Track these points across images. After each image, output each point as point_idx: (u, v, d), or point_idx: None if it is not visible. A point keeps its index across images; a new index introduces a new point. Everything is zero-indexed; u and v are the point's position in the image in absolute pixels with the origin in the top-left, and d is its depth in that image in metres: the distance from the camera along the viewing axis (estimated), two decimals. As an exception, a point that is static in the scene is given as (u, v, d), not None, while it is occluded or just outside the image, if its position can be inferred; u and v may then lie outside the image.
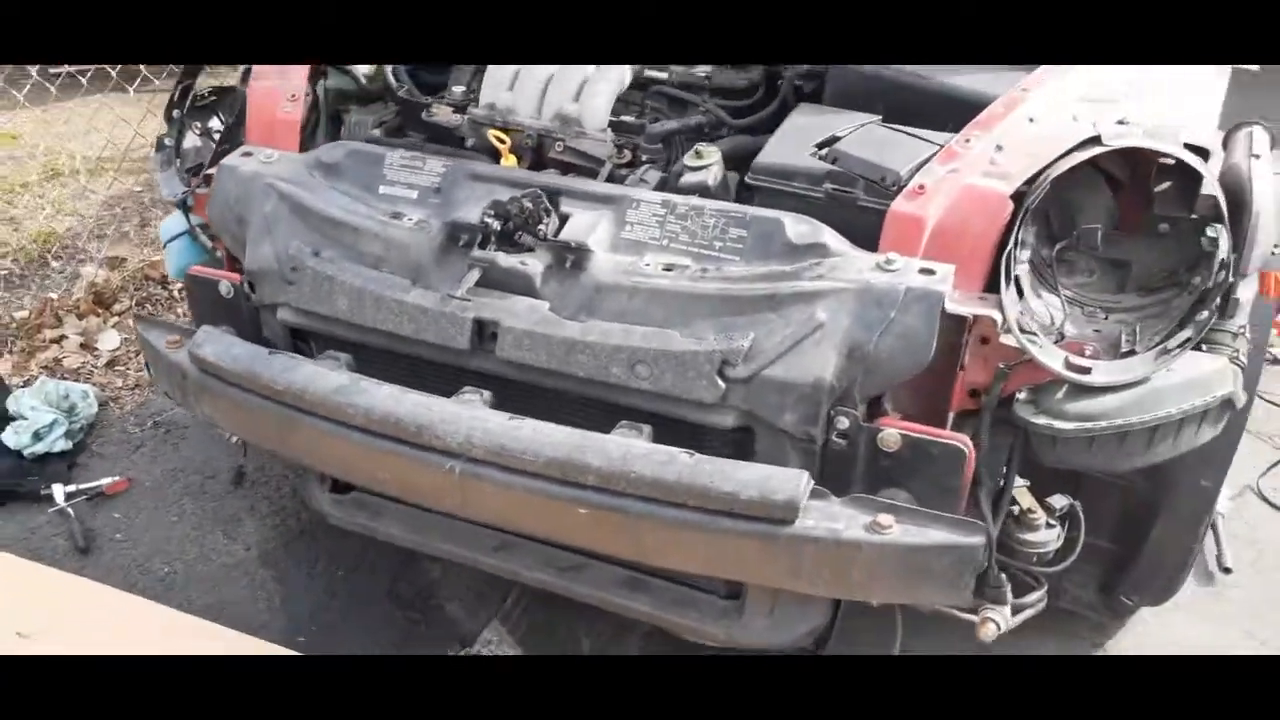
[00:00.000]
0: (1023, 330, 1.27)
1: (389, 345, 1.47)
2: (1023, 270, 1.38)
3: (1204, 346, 1.35)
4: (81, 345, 2.58)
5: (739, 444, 1.36)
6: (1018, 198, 1.31)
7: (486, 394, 1.40)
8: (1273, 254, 1.49)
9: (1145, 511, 1.58)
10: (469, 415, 1.34)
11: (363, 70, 1.89)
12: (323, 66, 1.85)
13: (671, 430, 1.35)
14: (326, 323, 1.51)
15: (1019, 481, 1.48)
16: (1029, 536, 1.46)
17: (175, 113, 1.88)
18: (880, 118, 1.53)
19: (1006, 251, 1.29)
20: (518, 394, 1.41)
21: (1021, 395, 1.31)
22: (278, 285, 1.53)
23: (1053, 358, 1.27)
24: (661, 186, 1.52)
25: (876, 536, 1.23)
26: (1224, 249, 1.31)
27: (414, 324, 1.41)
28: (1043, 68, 1.52)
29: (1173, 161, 1.36)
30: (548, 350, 1.35)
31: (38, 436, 2.17)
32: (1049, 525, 1.48)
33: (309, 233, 1.52)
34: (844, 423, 1.30)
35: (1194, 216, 1.39)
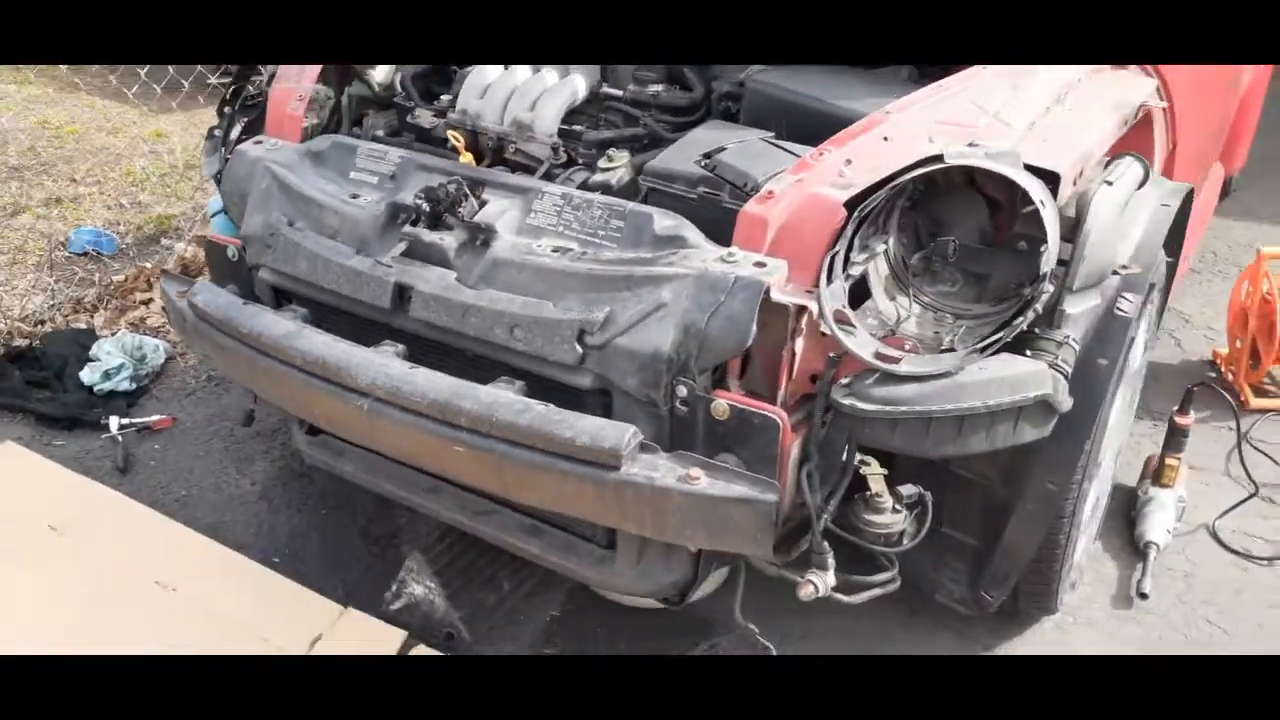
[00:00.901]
0: (839, 322, 1.44)
1: (337, 303, 1.75)
2: (873, 271, 1.55)
3: (1028, 352, 1.48)
4: (164, 309, 2.99)
5: (605, 406, 1.57)
6: (852, 205, 1.48)
7: (401, 347, 1.66)
8: (1117, 273, 1.61)
9: (1001, 510, 1.69)
10: (378, 362, 1.60)
11: (377, 80, 2.21)
12: (349, 75, 2.19)
13: (553, 391, 1.57)
14: (294, 282, 1.80)
15: (876, 469, 1.64)
16: (874, 518, 1.60)
17: (227, 109, 2.23)
18: (774, 134, 1.72)
19: (832, 252, 1.46)
20: (430, 350, 1.67)
21: (844, 381, 1.47)
22: (261, 249, 1.83)
23: (863, 347, 1.43)
24: (584, 185, 1.76)
25: (685, 486, 1.42)
26: (1045, 263, 1.44)
27: (351, 284, 1.69)
28: (915, 94, 1.68)
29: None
30: (447, 312, 1.60)
31: (107, 376, 2.57)
32: (895, 510, 1.62)
33: (290, 207, 1.82)
34: (683, 391, 1.49)
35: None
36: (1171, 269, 2.16)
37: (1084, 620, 2.05)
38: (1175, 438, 2.27)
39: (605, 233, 1.59)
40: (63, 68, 5.14)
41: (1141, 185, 1.68)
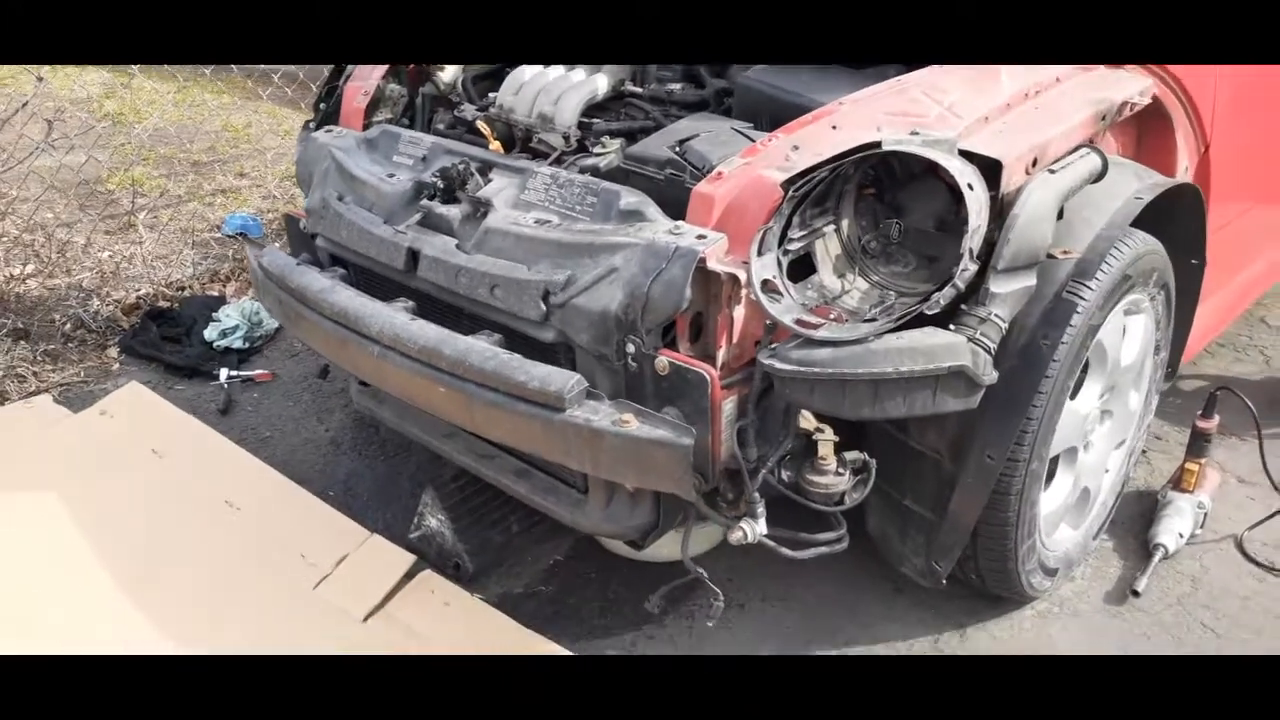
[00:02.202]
0: (768, 291, 1.57)
1: (370, 265, 2.02)
2: (820, 248, 1.68)
3: (952, 326, 1.57)
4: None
5: (572, 361, 1.77)
6: (790, 186, 1.61)
7: (411, 303, 1.91)
8: (1052, 256, 1.67)
9: (949, 483, 1.76)
10: (386, 314, 1.85)
11: (445, 81, 2.49)
12: (422, 77, 2.48)
13: (528, 345, 1.77)
14: (339, 248, 2.09)
15: (828, 436, 1.75)
16: (817, 479, 1.71)
17: (321, 105, 2.57)
18: (753, 125, 1.87)
19: (765, 227, 1.60)
20: (437, 306, 1.91)
21: (771, 345, 1.60)
22: (318, 220, 2.14)
23: (785, 313, 1.55)
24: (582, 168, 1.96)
25: (616, 428, 1.59)
26: (966, 242, 1.52)
27: (376, 249, 1.95)
28: (873, 88, 1.79)
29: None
30: (445, 273, 1.83)
31: (224, 334, 2.98)
32: (838, 473, 1.73)
33: (342, 185, 2.12)
34: (631, 348, 1.66)
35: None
36: (1197, 270, 2.15)
37: (1069, 611, 2.06)
38: (1197, 442, 2.24)
39: (581, 207, 1.79)
40: (250, 80, 5.81)
41: (1099, 178, 1.71)
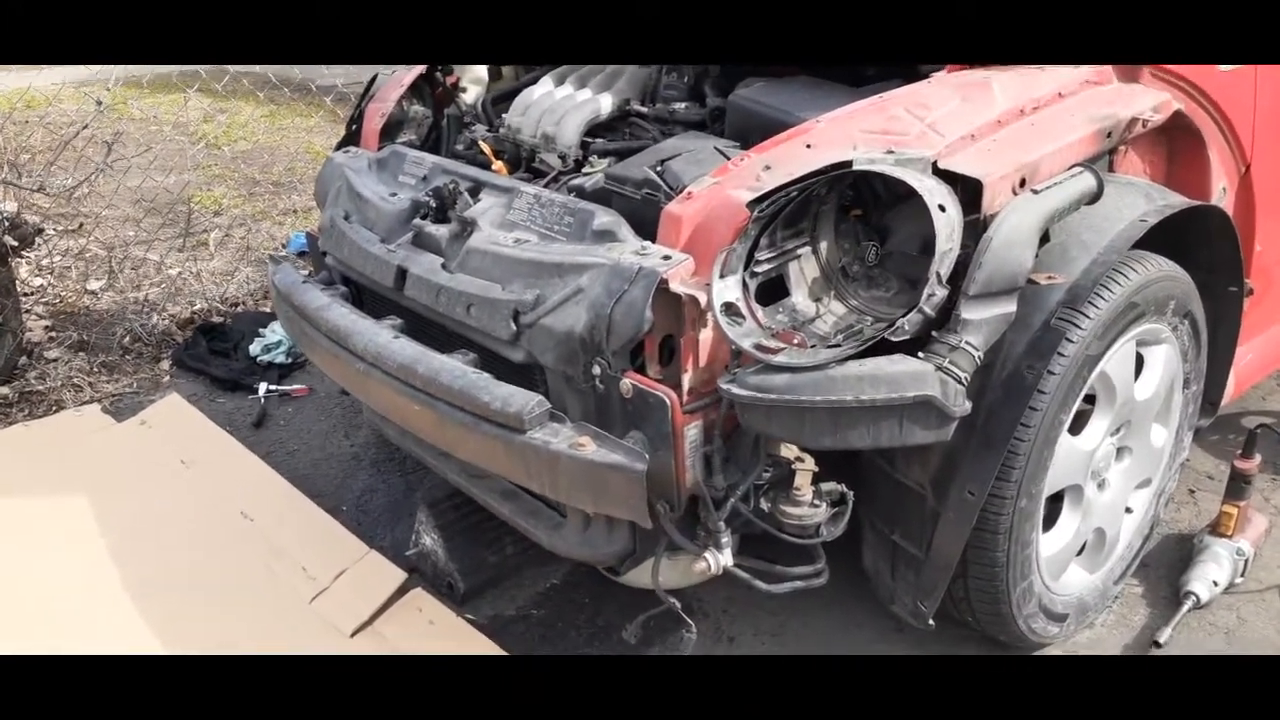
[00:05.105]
0: (730, 314, 1.53)
1: (369, 284, 2.06)
2: (794, 270, 1.63)
3: (921, 354, 1.49)
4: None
5: (545, 382, 1.75)
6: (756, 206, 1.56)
7: (399, 321, 1.93)
8: (1034, 282, 1.57)
9: (933, 519, 1.68)
10: (371, 331, 1.88)
11: (467, 102, 2.53)
12: (447, 99, 2.52)
13: (502, 365, 1.76)
14: (343, 265, 2.13)
15: (808, 466, 1.69)
16: (790, 509, 1.65)
17: (353, 126, 2.64)
18: (740, 144, 1.83)
19: (728, 248, 1.55)
20: (426, 324, 1.92)
21: (733, 369, 1.55)
22: (327, 238, 2.19)
23: (744, 337, 1.50)
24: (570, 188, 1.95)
25: (572, 451, 1.57)
26: (933, 266, 1.45)
27: (370, 267, 1.98)
28: (853, 105, 1.72)
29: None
30: (428, 292, 1.85)
31: (267, 349, 3.07)
32: (813, 505, 1.66)
33: (350, 204, 2.16)
34: (597, 370, 1.64)
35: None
36: (1236, 298, 2.01)
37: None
38: (1235, 484, 2.08)
39: (559, 227, 1.78)
40: (329, 99, 6.01)
41: (1094, 199, 1.61)
